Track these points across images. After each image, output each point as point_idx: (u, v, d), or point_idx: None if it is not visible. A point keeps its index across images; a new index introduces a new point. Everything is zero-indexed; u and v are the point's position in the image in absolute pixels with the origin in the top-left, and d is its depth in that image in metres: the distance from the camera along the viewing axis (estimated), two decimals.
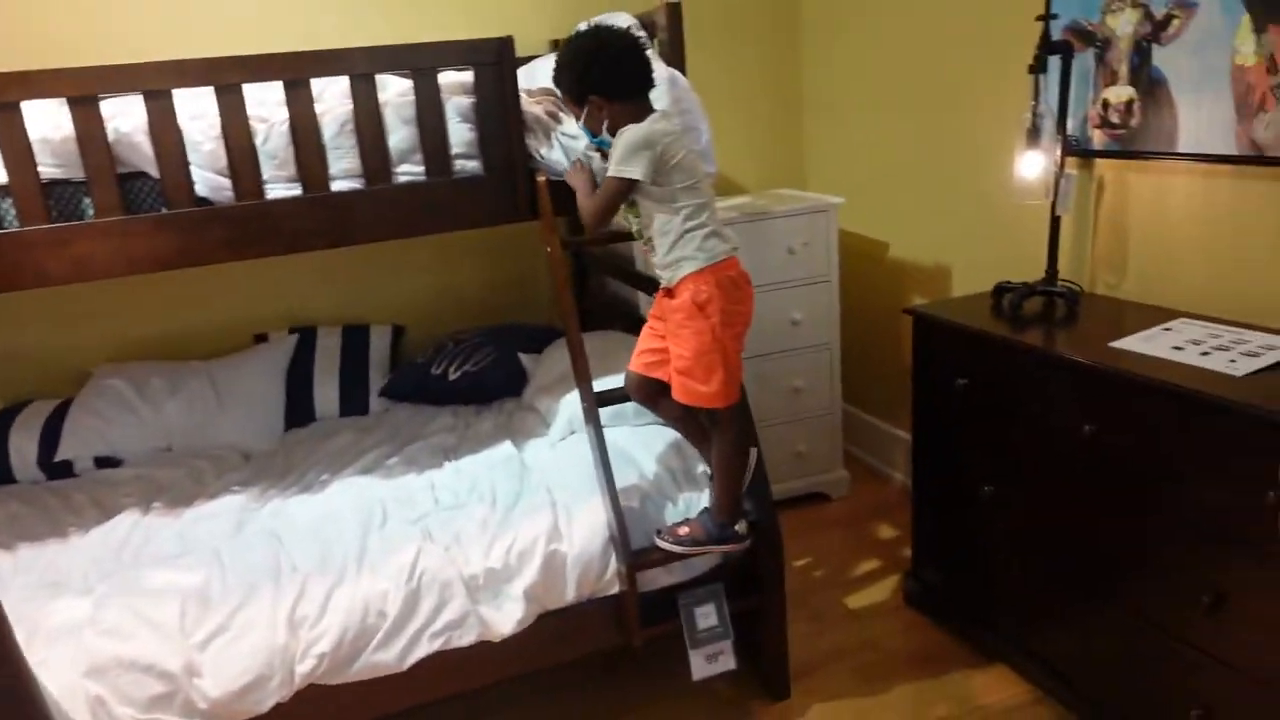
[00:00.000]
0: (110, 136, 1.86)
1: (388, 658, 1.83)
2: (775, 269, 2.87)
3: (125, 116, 1.90)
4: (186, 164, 1.91)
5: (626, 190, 1.86)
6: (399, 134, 2.05)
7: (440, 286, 3.18)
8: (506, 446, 2.41)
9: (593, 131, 1.92)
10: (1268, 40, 1.79)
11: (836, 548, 2.86)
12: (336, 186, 2.03)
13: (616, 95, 1.86)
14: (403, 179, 2.07)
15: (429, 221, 2.10)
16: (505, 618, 1.90)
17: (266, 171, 1.98)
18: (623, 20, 2.27)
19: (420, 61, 2.00)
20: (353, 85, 1.97)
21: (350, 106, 1.99)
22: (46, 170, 1.86)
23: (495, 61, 2.03)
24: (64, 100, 1.81)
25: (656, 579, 2.03)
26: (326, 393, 2.82)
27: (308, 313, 3.04)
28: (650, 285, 2.13)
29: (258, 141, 1.96)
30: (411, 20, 2.89)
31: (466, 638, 1.88)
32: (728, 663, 2.07)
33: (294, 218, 1.99)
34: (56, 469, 2.52)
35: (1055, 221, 2.21)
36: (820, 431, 3.08)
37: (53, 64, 1.79)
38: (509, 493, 2.12)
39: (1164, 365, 1.73)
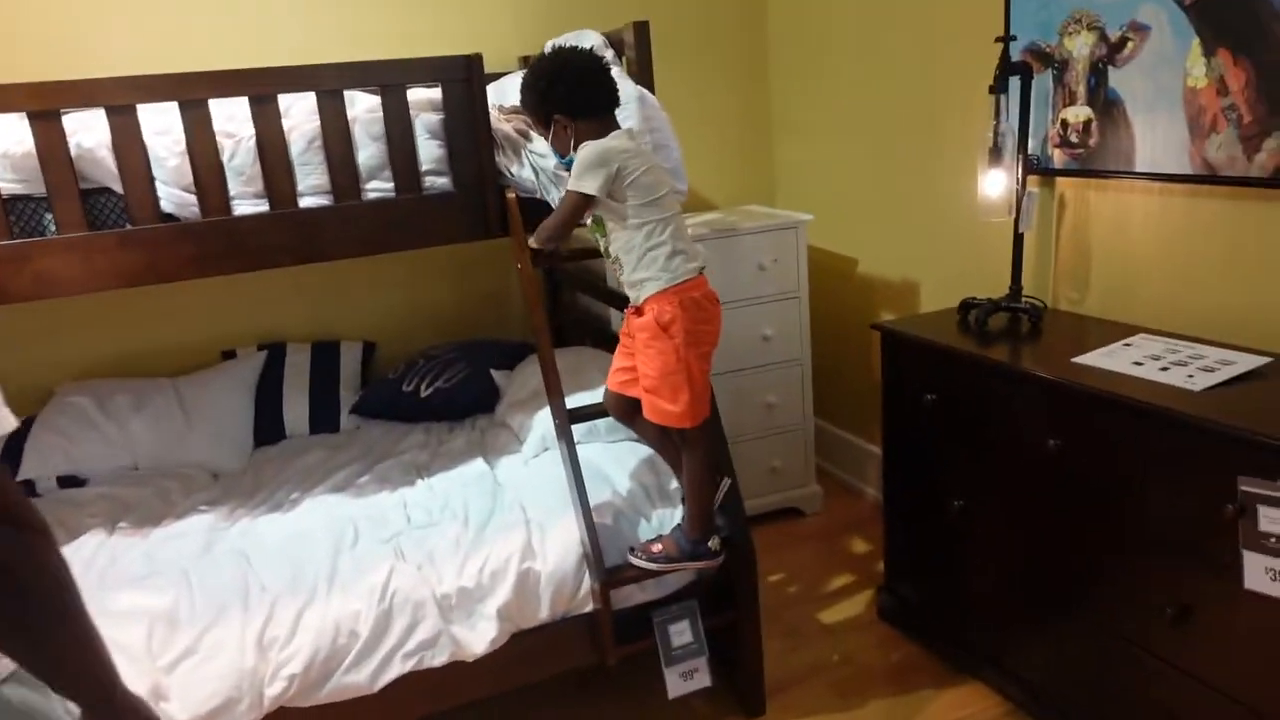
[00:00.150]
0: (73, 152, 1.84)
1: (359, 679, 1.81)
2: (746, 285, 2.89)
3: (88, 131, 1.89)
4: (151, 180, 1.90)
5: (582, 205, 1.86)
6: (368, 150, 2.04)
7: (412, 302, 3.16)
8: (479, 464, 2.40)
9: (560, 151, 1.93)
10: (1217, 63, 1.84)
11: (810, 563, 2.87)
12: (305, 203, 2.02)
13: (580, 114, 1.87)
14: (372, 195, 2.07)
15: (398, 238, 2.09)
16: (478, 637, 1.89)
17: (233, 188, 1.97)
18: (591, 38, 2.29)
19: (388, 78, 2.00)
20: (320, 101, 1.96)
21: (318, 122, 1.98)
22: (7, 186, 1.84)
23: (464, 78, 2.04)
24: (24, 114, 1.79)
25: (631, 596, 2.03)
26: (296, 410, 2.79)
27: (277, 329, 3.01)
28: (621, 301, 2.14)
29: (224, 157, 1.95)
30: (380, 36, 2.88)
31: (439, 658, 1.87)
32: (703, 680, 2.06)
33: (261, 234, 1.97)
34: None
35: (1018, 239, 2.25)
36: (793, 447, 3.10)
37: (21, 78, 1.77)
38: (482, 510, 2.11)
39: (1125, 380, 1.76)
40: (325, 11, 2.83)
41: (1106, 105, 2.11)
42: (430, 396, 2.75)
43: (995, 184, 2.22)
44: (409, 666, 1.84)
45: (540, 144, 2.09)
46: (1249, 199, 1.86)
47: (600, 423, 2.31)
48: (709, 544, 1.97)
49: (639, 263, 1.86)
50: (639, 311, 1.90)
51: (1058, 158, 2.25)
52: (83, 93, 1.80)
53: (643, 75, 2.23)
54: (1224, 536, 1.53)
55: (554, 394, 2.07)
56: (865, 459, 3.23)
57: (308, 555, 1.97)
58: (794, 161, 3.45)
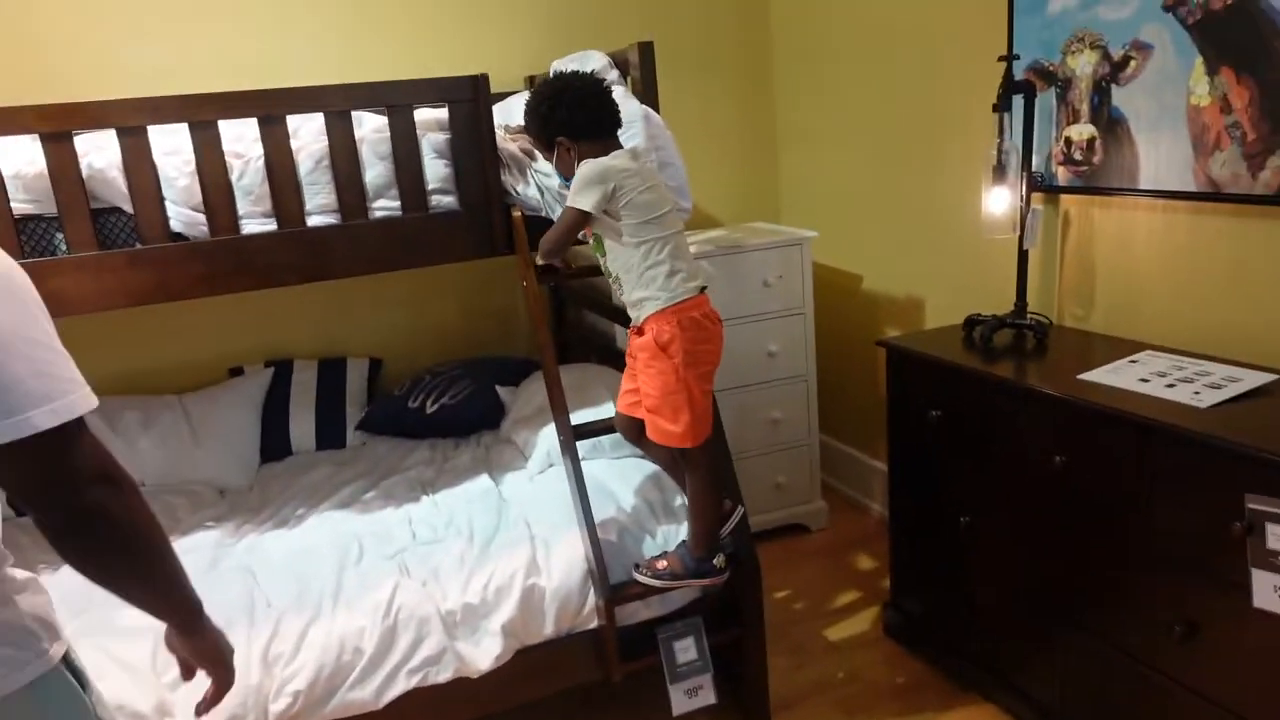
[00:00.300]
0: (84, 172, 1.87)
1: (364, 695, 1.81)
2: (751, 301, 2.90)
3: (99, 152, 1.91)
4: (161, 200, 1.92)
5: (578, 221, 1.87)
6: (375, 170, 2.06)
7: (418, 320, 3.18)
8: (484, 480, 2.41)
9: (564, 174, 1.94)
10: (1220, 82, 1.85)
11: (816, 579, 2.86)
12: (312, 222, 2.04)
13: (582, 136, 1.88)
14: (378, 214, 2.08)
15: (405, 256, 2.11)
16: (483, 653, 1.89)
17: (242, 207, 1.99)
18: (595, 59, 2.31)
19: (396, 98, 2.02)
20: (328, 122, 1.98)
21: (326, 143, 2.00)
22: (19, 206, 1.86)
23: (470, 98, 2.06)
24: (37, 136, 1.81)
25: (635, 613, 2.02)
26: (303, 426, 2.81)
27: (284, 346, 3.03)
28: (625, 318, 2.15)
29: (233, 177, 1.97)
30: (387, 57, 2.92)
31: (444, 674, 1.87)
32: (708, 697, 2.06)
33: (269, 253, 1.99)
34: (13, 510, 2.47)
35: (1023, 255, 2.26)
36: (798, 463, 3.10)
37: (33, 100, 1.80)
38: (487, 527, 2.11)
39: (1131, 397, 1.76)
40: (333, 33, 2.87)
41: (1110, 123, 2.11)
42: (436, 413, 2.76)
43: (999, 201, 2.22)
44: (413, 683, 1.84)
45: (545, 163, 2.10)
46: (1253, 216, 1.86)
47: (605, 439, 2.32)
48: (714, 561, 1.97)
49: (638, 282, 1.87)
50: (640, 331, 1.90)
51: (1062, 175, 2.26)
52: (94, 115, 1.83)
53: (647, 94, 2.25)
54: (1232, 554, 1.53)
55: (559, 410, 2.08)
56: (870, 475, 3.23)
57: (313, 571, 1.97)
58: (799, 179, 3.46)
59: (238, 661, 1.72)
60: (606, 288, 2.72)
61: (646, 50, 2.25)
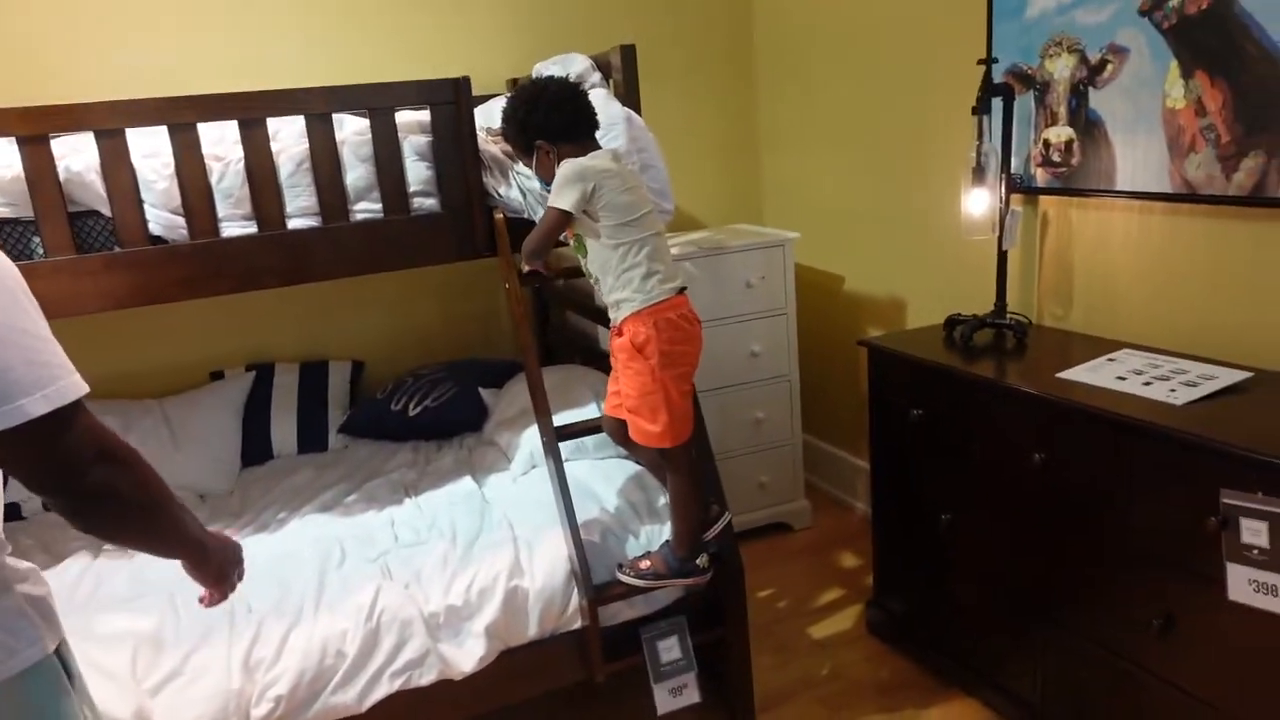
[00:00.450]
0: (61, 175, 1.85)
1: (347, 699, 1.80)
2: (734, 302, 2.91)
3: (77, 155, 1.90)
4: (140, 203, 1.91)
5: (559, 221, 1.87)
6: (356, 172, 2.06)
7: (400, 322, 3.17)
8: (467, 482, 2.40)
9: (544, 178, 1.94)
10: (1195, 85, 1.88)
11: (800, 578, 2.87)
12: (293, 224, 2.03)
13: (560, 139, 1.88)
14: (360, 217, 2.08)
15: (386, 259, 2.10)
16: (466, 655, 1.89)
17: (222, 210, 1.98)
18: (577, 62, 2.31)
19: (377, 101, 2.02)
20: (309, 124, 1.97)
21: (307, 145, 1.99)
22: None
23: (451, 101, 2.06)
24: (14, 139, 1.79)
25: (619, 613, 2.03)
26: (284, 430, 2.79)
27: (266, 349, 3.01)
28: (608, 319, 2.15)
29: (213, 180, 1.96)
30: (370, 60, 2.91)
31: (427, 677, 1.86)
32: (692, 696, 2.06)
33: (250, 256, 1.98)
34: (3, 512, 2.45)
35: (1002, 256, 2.28)
36: (781, 462, 3.11)
37: (9, 102, 1.78)
38: (469, 528, 2.11)
39: (1109, 395, 1.78)
40: (317, 36, 2.85)
41: (1087, 125, 2.14)
42: (419, 415, 2.75)
43: (979, 203, 2.24)
44: (397, 686, 1.83)
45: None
46: (1228, 217, 1.89)
47: (588, 440, 2.32)
48: (697, 561, 1.98)
49: (615, 283, 1.87)
50: (619, 332, 1.91)
51: (1040, 177, 2.28)
52: (71, 117, 1.81)
53: (629, 97, 2.25)
54: (1207, 549, 1.55)
55: (541, 412, 2.08)
56: (853, 474, 3.24)
57: (294, 575, 1.96)
58: (781, 180, 3.48)
59: (218, 667, 1.73)
60: (590, 289, 2.74)
61: (628, 53, 2.25)
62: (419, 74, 2.15)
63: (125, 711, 1.64)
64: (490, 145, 2.18)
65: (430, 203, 2.13)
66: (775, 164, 3.49)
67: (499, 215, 2.13)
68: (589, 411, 2.36)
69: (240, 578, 1.34)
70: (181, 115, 1.87)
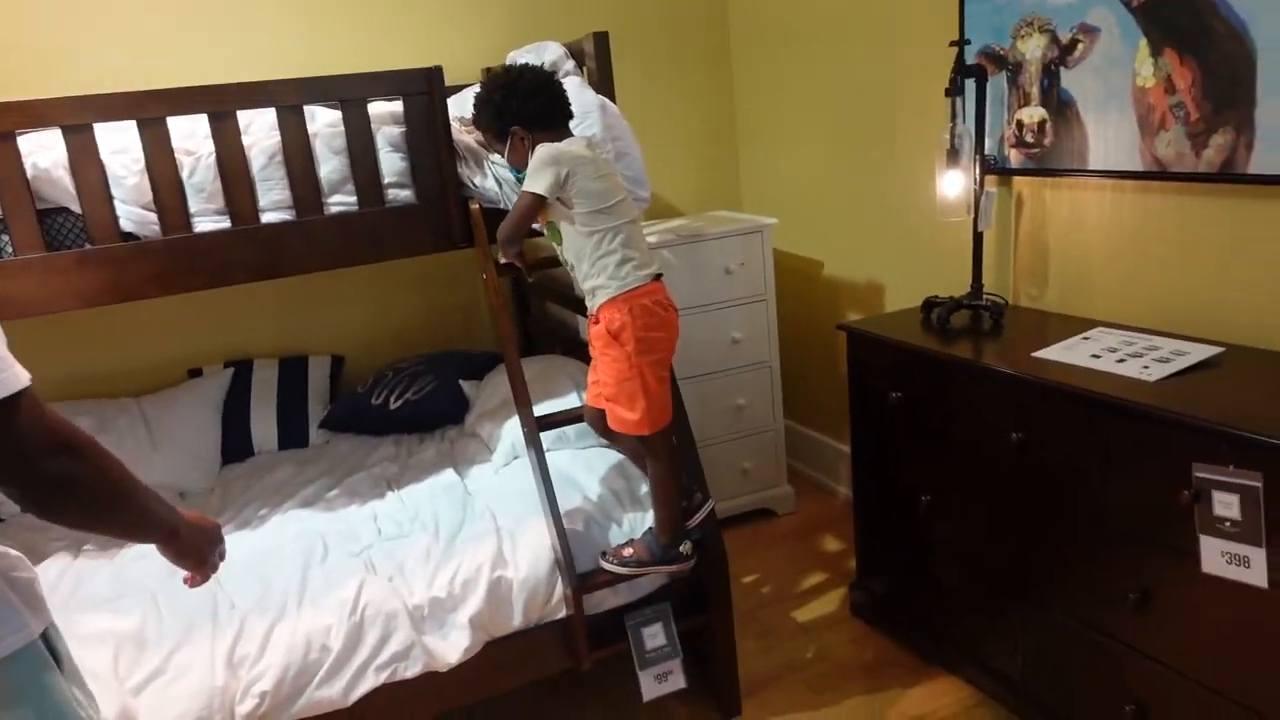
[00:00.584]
0: (29, 172, 1.82)
1: (332, 693, 1.80)
2: (713, 289, 2.91)
3: (45, 151, 1.87)
4: (110, 199, 1.88)
5: (533, 206, 1.87)
6: (329, 164, 2.04)
7: (380, 316, 3.15)
8: (449, 474, 2.40)
9: (516, 166, 1.94)
10: (1164, 63, 1.89)
11: (783, 563, 2.89)
12: (267, 218, 2.01)
13: (536, 126, 1.89)
14: (335, 209, 2.06)
15: (362, 251, 2.09)
16: (451, 647, 1.89)
17: (194, 205, 1.96)
18: (552, 50, 2.30)
19: (348, 92, 2.00)
20: (280, 117, 1.96)
21: (279, 138, 1.98)
22: None
23: (424, 91, 2.04)
24: None
25: (604, 601, 2.03)
26: (264, 426, 2.78)
27: (244, 346, 2.99)
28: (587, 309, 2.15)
29: (184, 175, 1.93)
30: (342, 51, 2.88)
31: (412, 669, 1.86)
32: (677, 682, 2.07)
33: (223, 251, 1.96)
34: None
35: (978, 237, 2.29)
36: (764, 448, 3.13)
37: None
38: (452, 520, 2.11)
39: (1083, 373, 1.80)
40: (285, 27, 2.82)
41: (1060, 106, 2.15)
42: (399, 409, 2.74)
43: (953, 184, 2.25)
44: (382, 679, 1.83)
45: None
46: (1198, 194, 1.91)
47: (570, 429, 2.32)
48: (680, 548, 1.99)
49: (591, 269, 1.87)
50: (595, 320, 1.91)
51: (1014, 158, 2.29)
52: (37, 113, 1.79)
53: (603, 85, 2.25)
54: (1181, 523, 1.57)
55: (522, 402, 2.08)
56: (836, 458, 3.26)
57: (277, 571, 1.96)
58: (759, 166, 3.48)
59: (201, 664, 1.72)
60: (568, 278, 2.73)
61: (601, 40, 2.25)
62: (391, 64, 2.14)
63: (109, 711, 1.63)
64: (465, 135, 2.17)
65: (405, 194, 2.11)
66: (752, 150, 3.49)
67: (475, 206, 2.12)
68: (570, 401, 2.36)
69: (222, 557, 1.34)
70: (150, 109, 1.85)
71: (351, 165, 2.04)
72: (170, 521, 1.20)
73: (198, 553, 1.28)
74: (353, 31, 2.90)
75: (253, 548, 2.10)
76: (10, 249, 1.84)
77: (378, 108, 2.09)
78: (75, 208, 1.88)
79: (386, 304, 3.15)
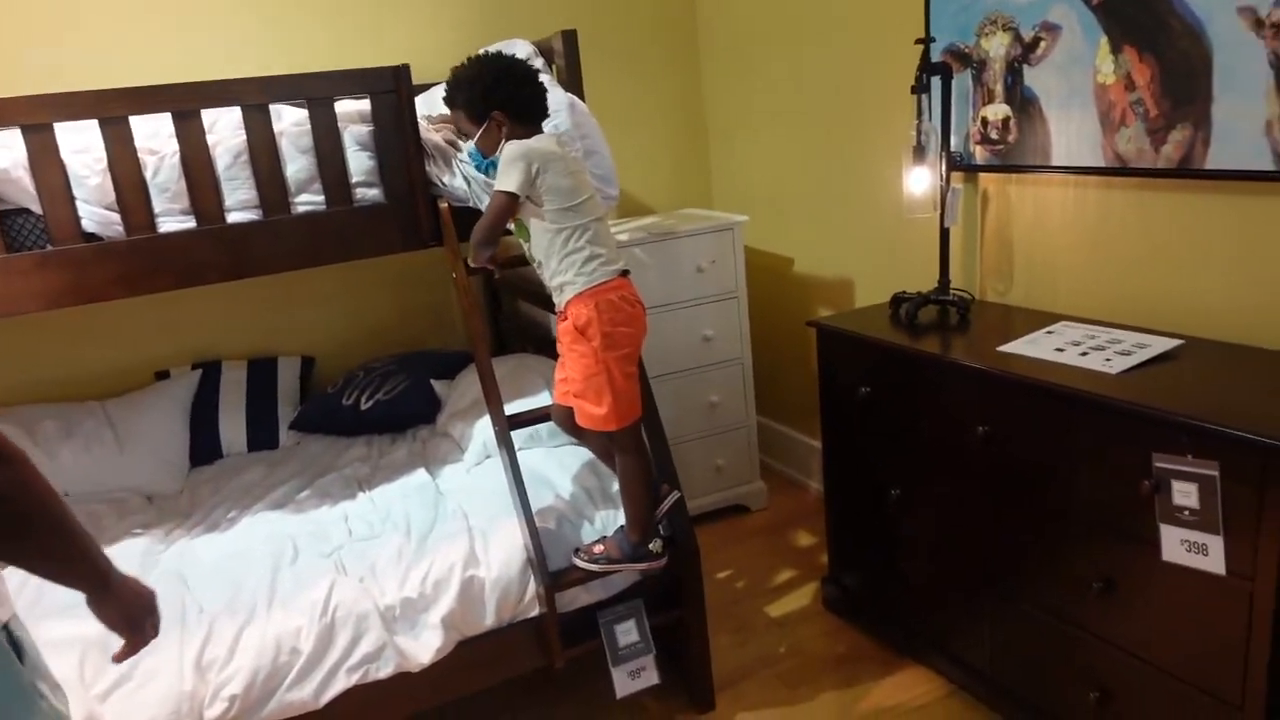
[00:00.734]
0: None
1: (303, 695, 1.79)
2: (685, 287, 2.92)
3: (4, 151, 1.85)
4: (71, 199, 1.86)
5: (507, 205, 1.87)
6: (296, 164, 2.03)
7: (350, 316, 3.13)
8: (421, 474, 2.39)
9: (484, 152, 1.93)
10: (1124, 60, 1.92)
11: (757, 558, 2.91)
12: (233, 218, 1.99)
13: (518, 115, 1.89)
14: (302, 209, 2.05)
15: (331, 251, 2.08)
16: (423, 647, 1.88)
17: (158, 205, 1.94)
18: (521, 47, 2.30)
19: (314, 91, 1.99)
20: (246, 116, 1.94)
21: (244, 137, 1.96)
22: None
23: (392, 89, 2.03)
24: None
25: (576, 598, 2.04)
26: (233, 428, 2.75)
27: (212, 347, 2.95)
28: None
29: (148, 174, 1.91)
30: (308, 49, 2.85)
31: (385, 670, 1.85)
32: (650, 678, 2.08)
33: (189, 251, 1.95)
34: None
35: (944, 234, 2.31)
36: (737, 445, 3.14)
37: None
38: (424, 520, 2.10)
39: (1047, 367, 1.82)
40: (251, 26, 2.80)
41: (1023, 103, 2.18)
42: (371, 409, 2.73)
43: (920, 181, 2.28)
44: (354, 680, 1.82)
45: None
46: (1158, 189, 1.94)
47: (542, 428, 2.32)
48: (650, 546, 1.99)
49: (558, 266, 1.88)
50: (563, 316, 1.92)
51: (979, 154, 2.32)
52: None
53: (572, 83, 2.25)
54: (1143, 512, 1.60)
55: (492, 401, 2.07)
56: (808, 454, 3.28)
57: (246, 574, 1.94)
58: (729, 164, 3.50)
59: (169, 669, 1.70)
60: (539, 277, 2.73)
61: (570, 38, 2.25)
62: (357, 62, 2.13)
63: (76, 717, 1.61)
64: (433, 134, 2.16)
65: (374, 193, 2.10)
66: (723, 148, 3.51)
67: (444, 205, 2.11)
68: (541, 400, 2.36)
69: (155, 631, 1.22)
70: (112, 108, 1.83)
71: (319, 164, 2.03)
72: (103, 568, 1.11)
73: (130, 615, 1.17)
74: (318, 30, 2.87)
75: (222, 550, 2.09)
76: None
77: (345, 106, 2.07)
78: (36, 208, 1.85)
79: (356, 304, 3.13)
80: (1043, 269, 2.24)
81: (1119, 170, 1.99)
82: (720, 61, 3.39)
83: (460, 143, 2.13)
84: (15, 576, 2.05)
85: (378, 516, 2.17)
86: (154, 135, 1.97)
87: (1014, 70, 2.18)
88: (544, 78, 1.98)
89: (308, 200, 2.06)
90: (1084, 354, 1.85)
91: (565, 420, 2.05)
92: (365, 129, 2.08)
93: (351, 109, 2.09)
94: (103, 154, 1.86)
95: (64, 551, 1.05)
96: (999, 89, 2.23)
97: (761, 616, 2.60)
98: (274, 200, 2.00)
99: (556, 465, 2.27)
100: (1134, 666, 1.71)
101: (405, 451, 2.61)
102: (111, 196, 1.89)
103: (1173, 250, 1.94)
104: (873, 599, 2.43)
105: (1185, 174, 1.86)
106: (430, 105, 2.35)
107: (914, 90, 2.20)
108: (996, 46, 2.21)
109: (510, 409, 2.14)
